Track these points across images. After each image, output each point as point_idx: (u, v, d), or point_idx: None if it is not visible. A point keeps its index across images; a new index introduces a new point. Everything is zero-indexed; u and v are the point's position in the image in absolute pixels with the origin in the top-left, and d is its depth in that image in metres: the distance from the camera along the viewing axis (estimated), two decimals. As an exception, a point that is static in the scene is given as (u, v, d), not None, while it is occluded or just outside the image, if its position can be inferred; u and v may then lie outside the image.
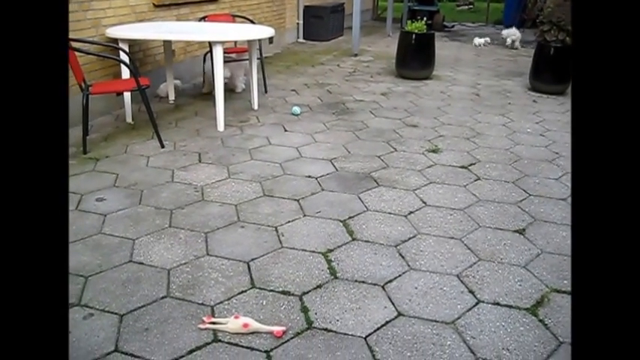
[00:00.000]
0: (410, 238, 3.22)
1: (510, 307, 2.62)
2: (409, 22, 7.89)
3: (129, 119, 5.45)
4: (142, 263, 2.94)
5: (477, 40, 11.61)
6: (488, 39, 11.75)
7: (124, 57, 4.95)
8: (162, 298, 2.64)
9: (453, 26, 14.80)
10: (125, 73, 5.23)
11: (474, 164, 4.48)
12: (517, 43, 11.37)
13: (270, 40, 9.40)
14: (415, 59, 7.80)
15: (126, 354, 2.27)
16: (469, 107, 6.38)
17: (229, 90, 6.54)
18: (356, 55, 9.77)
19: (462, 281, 2.81)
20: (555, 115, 6.13)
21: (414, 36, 7.63)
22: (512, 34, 11.52)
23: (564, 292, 2.75)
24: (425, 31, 7.70)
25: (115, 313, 2.53)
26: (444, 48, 10.72)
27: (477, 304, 2.63)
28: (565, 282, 2.83)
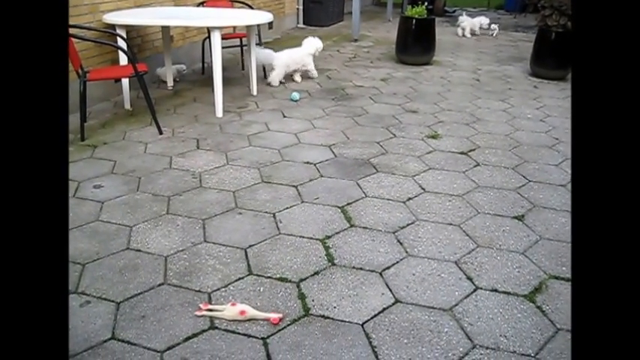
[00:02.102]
0: (408, 225, 3.21)
1: (508, 293, 2.61)
2: (409, 7, 7.83)
3: (127, 106, 5.42)
4: (139, 250, 2.93)
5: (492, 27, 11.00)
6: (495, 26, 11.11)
7: (121, 43, 4.91)
8: (160, 285, 2.64)
9: (454, 11, 14.69)
10: (123, 59, 5.20)
11: (474, 150, 4.46)
12: (478, 32, 10.86)
13: (270, 25, 9.33)
14: (415, 45, 7.75)
15: (122, 341, 2.27)
16: (469, 93, 6.34)
17: (232, 77, 6.51)
18: (356, 40, 9.71)
19: (460, 268, 2.80)
20: (556, 101, 6.10)
21: (414, 21, 7.57)
22: (467, 22, 10.79)
23: (562, 278, 2.74)
24: (425, 16, 7.64)
25: (112, 301, 2.52)
26: (444, 33, 10.65)
27: (474, 290, 2.62)
28: (564, 269, 2.82)
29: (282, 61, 6.35)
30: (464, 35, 10.65)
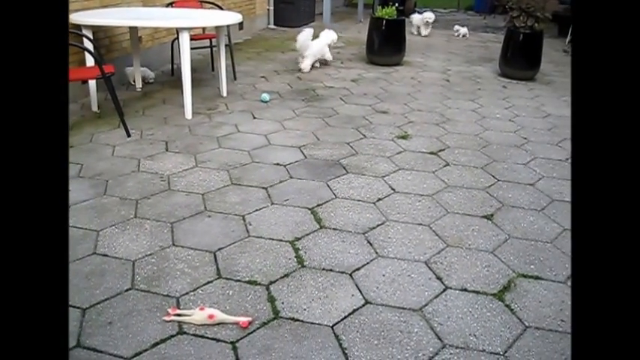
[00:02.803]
0: (378, 225, 3.22)
1: (477, 292, 2.62)
2: (379, 7, 7.85)
3: (94, 108, 5.33)
4: (106, 255, 2.88)
5: (461, 30, 11.11)
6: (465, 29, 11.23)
7: (87, 44, 4.84)
8: (127, 290, 2.60)
9: (424, 12, 14.80)
10: (90, 60, 5.12)
11: (444, 150, 4.48)
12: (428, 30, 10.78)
13: (240, 26, 9.30)
14: (386, 45, 7.78)
15: (88, 349, 2.23)
16: (439, 93, 6.39)
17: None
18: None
19: (429, 268, 2.81)
20: (524, 101, 6.18)
21: (384, 22, 7.60)
22: (416, 19, 10.82)
23: (530, 277, 2.77)
24: (395, 16, 7.67)
25: (78, 307, 2.47)
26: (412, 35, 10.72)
27: (444, 290, 2.63)
28: (532, 267, 2.85)
29: (313, 51, 7.33)
30: (419, 33, 10.79)
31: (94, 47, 4.87)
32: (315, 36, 7.36)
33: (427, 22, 10.65)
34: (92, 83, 5.28)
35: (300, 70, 7.32)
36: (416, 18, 10.90)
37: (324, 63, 7.76)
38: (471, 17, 14.24)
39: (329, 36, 7.62)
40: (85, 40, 4.86)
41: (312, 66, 7.48)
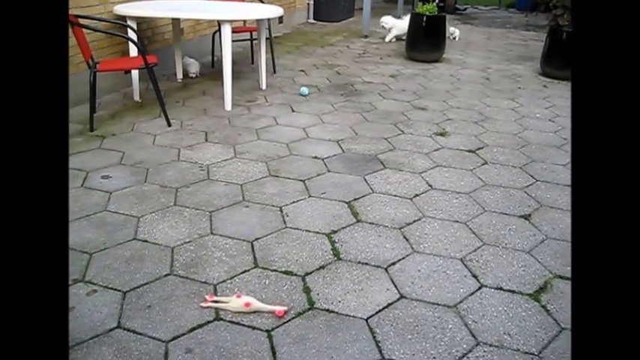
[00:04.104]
0: (415, 221, 3.22)
1: (513, 292, 2.61)
2: (420, 3, 7.80)
3: (136, 97, 5.44)
4: (146, 241, 2.95)
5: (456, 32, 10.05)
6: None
7: (131, 35, 4.93)
8: (166, 275, 2.65)
9: (465, 9, 14.65)
10: (133, 50, 5.21)
11: (482, 148, 4.45)
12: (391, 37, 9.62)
13: (280, 19, 9.35)
14: (425, 42, 7.74)
15: (128, 330, 2.29)
16: (478, 91, 6.33)
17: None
18: (366, 36, 9.71)
19: (465, 265, 2.80)
20: (565, 101, 6.07)
21: (424, 18, 7.56)
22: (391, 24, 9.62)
23: (568, 278, 2.74)
24: (436, 13, 7.62)
25: (119, 290, 2.54)
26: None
27: (479, 288, 2.62)
28: (569, 268, 2.82)
29: (398, 27, 9.21)
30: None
31: (138, 38, 4.96)
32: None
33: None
34: (135, 73, 5.38)
35: (384, 40, 9.37)
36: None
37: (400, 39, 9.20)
38: (513, 15, 14.04)
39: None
40: (129, 30, 4.95)
41: (391, 40, 9.39)
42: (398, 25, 9.23)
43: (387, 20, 9.36)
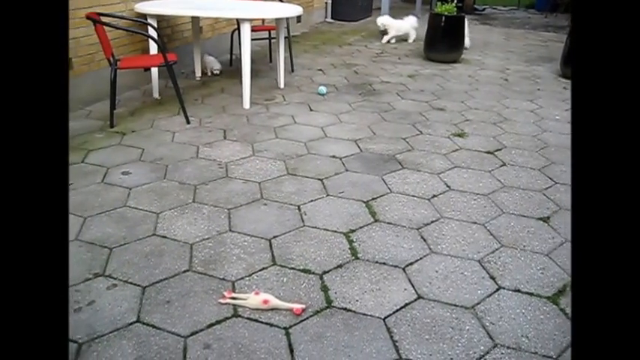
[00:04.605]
0: (432, 222, 3.21)
1: (531, 294, 2.60)
2: (439, 3, 7.78)
3: (156, 94, 5.48)
4: (165, 237, 2.98)
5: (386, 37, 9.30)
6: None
7: (152, 33, 4.97)
8: (185, 271, 2.68)
9: (483, 9, 14.57)
10: (153, 48, 5.26)
11: (500, 150, 4.43)
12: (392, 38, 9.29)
13: (298, 19, 9.37)
14: (444, 42, 7.71)
15: (147, 325, 2.31)
16: (497, 92, 6.30)
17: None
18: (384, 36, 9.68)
19: (483, 267, 2.79)
20: (585, 103, 6.02)
21: (443, 18, 7.53)
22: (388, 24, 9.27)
23: (587, 281, 2.72)
24: (455, 13, 7.59)
25: (138, 285, 2.57)
26: (473, 31, 10.54)
27: (497, 290, 2.61)
28: (588, 271, 2.80)
29: (395, 27, 9.15)
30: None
31: (158, 36, 5.00)
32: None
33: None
34: (154, 70, 5.42)
35: (382, 42, 9.12)
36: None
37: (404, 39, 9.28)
38: (532, 15, 13.93)
39: (413, 20, 9.17)
40: (149, 28, 4.99)
41: (389, 41, 9.14)
42: (396, 25, 9.15)
43: (384, 21, 9.20)
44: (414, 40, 9.18)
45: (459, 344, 2.25)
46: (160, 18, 5.43)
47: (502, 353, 2.22)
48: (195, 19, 6.03)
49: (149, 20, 5.07)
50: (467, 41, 8.74)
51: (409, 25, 9.17)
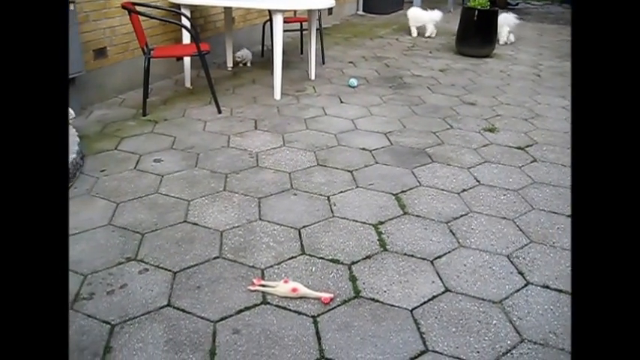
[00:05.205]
0: (462, 216, 3.21)
1: (560, 291, 2.58)
2: (472, -3, 7.70)
3: (188, 84, 5.55)
4: (196, 224, 3.02)
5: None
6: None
7: (185, 22, 5.02)
8: (215, 258, 2.72)
9: (517, 4, 14.37)
10: (186, 38, 5.31)
11: (531, 146, 4.39)
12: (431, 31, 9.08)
13: (330, 11, 9.36)
14: (476, 36, 7.64)
15: (178, 309, 2.36)
16: (529, 88, 6.23)
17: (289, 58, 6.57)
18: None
19: (511, 262, 2.78)
20: (620, 100, 5.93)
21: (476, 12, 7.45)
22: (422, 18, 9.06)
23: (618, 279, 2.69)
24: (488, 7, 7.51)
25: (169, 270, 2.62)
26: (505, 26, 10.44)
27: (525, 285, 2.60)
28: (619, 269, 2.77)
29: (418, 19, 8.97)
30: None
31: (191, 25, 5.05)
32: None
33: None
34: (187, 60, 5.48)
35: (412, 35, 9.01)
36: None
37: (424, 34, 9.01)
38: (566, 10, 13.69)
39: (436, 14, 8.86)
40: (182, 18, 5.04)
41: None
42: (415, 16, 8.98)
43: (409, 12, 9.08)
44: (431, 36, 9.01)
45: (486, 338, 2.26)
46: (193, 8, 5.47)
47: (529, 349, 2.21)
48: (227, 10, 6.07)
49: (183, 10, 5.12)
50: (511, 37, 8.70)
51: (428, 18, 8.90)
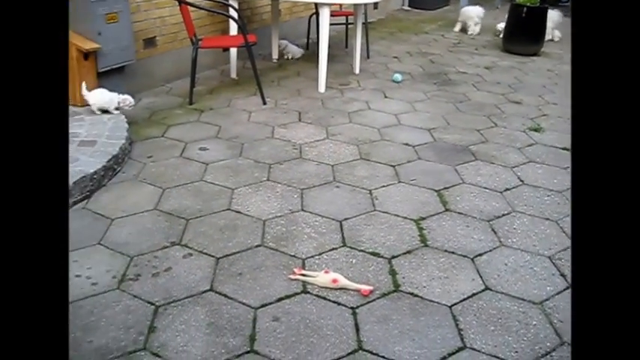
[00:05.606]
0: (504, 215, 3.18)
1: (603, 294, 2.55)
2: (522, -6, 7.57)
3: (233, 75, 5.62)
4: (239, 212, 3.08)
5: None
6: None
7: (233, 13, 5.08)
8: (257, 246, 2.77)
9: (567, 1, 14.07)
10: (233, 30, 5.37)
11: (578, 147, 4.31)
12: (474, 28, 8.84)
13: (375, 5, 9.32)
14: (524, 34, 7.50)
15: (220, 294, 2.42)
16: (577, 88, 6.10)
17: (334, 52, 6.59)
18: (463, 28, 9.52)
19: (553, 263, 2.75)
20: (672, 104, 5.77)
21: (525, 9, 7.33)
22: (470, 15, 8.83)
23: (663, 285, 2.64)
24: (537, 4, 7.38)
25: (212, 256, 2.68)
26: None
27: (567, 288, 2.57)
28: (665, 276, 2.72)
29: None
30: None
31: (239, 17, 5.11)
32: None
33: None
34: (233, 51, 5.55)
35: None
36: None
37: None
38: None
39: (472, 10, 8.74)
40: (231, 9, 5.10)
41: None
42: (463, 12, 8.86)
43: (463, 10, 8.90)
44: (471, 34, 8.80)
45: (525, 338, 2.24)
46: (240, 0, 5.53)
47: (569, 352, 2.19)
48: (274, 2, 6.11)
49: (231, 2, 5.18)
50: (557, 33, 8.51)
51: (470, 14, 8.68)
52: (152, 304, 2.35)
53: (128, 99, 4.11)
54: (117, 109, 4.06)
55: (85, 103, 4.07)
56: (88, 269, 2.57)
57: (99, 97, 4.01)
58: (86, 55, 4.10)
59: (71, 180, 3.07)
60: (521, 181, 3.63)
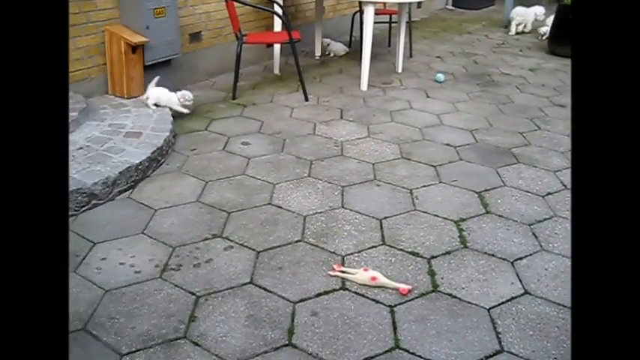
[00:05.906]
0: (545, 219, 3.14)
1: (647, 303, 2.50)
2: (570, -5, 7.43)
3: (276, 71, 5.67)
4: (280, 207, 3.11)
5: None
6: None
7: (278, 10, 5.12)
8: (297, 241, 2.80)
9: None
10: (277, 26, 5.42)
11: (624, 153, 4.23)
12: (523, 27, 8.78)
13: (419, 4, 9.27)
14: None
15: (259, 287, 2.45)
16: (625, 92, 5.98)
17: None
18: (506, 26, 9.39)
19: (596, 270, 2.71)
20: None
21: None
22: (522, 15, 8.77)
23: None
24: (586, 6, 7.23)
25: (252, 249, 2.72)
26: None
27: (609, 295, 2.54)
28: None
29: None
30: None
31: (284, 13, 5.15)
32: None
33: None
34: (276, 47, 5.60)
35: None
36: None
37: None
38: None
39: (539, 10, 8.71)
40: (275, 6, 5.15)
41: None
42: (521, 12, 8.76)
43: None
44: (523, 32, 8.74)
45: (564, 345, 2.22)
46: (286, -4, 5.59)
47: None
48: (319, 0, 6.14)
49: (276, -2, 5.23)
50: None
51: (528, 14, 8.72)
52: (193, 294, 2.40)
53: (186, 94, 4.20)
54: (183, 106, 4.19)
55: (132, 95, 4.18)
56: (131, 257, 2.64)
57: (158, 94, 4.15)
58: (134, 48, 4.19)
59: (117, 170, 3.15)
60: (564, 185, 3.58)
